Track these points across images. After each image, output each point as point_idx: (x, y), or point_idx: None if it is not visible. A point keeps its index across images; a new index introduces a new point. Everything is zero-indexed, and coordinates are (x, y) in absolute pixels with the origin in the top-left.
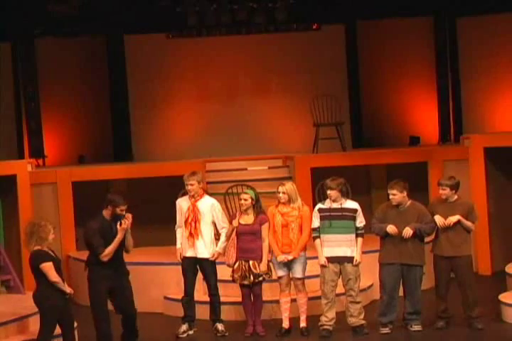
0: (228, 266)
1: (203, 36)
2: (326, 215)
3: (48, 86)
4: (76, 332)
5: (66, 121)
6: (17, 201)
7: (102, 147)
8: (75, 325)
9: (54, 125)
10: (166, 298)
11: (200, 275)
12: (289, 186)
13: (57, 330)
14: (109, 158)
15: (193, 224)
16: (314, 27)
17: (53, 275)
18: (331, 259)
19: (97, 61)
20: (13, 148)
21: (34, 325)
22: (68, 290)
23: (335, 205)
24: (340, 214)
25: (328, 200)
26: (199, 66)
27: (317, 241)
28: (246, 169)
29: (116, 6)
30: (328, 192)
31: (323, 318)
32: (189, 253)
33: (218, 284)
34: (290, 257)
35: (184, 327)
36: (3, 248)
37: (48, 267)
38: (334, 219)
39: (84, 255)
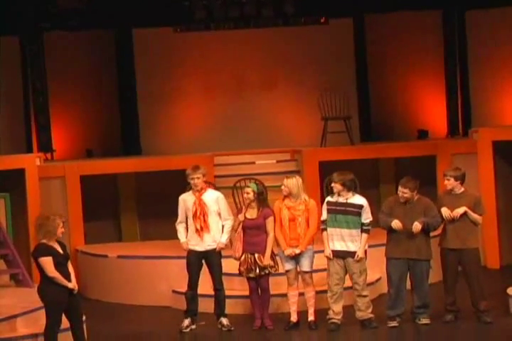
0: (235, 259)
1: (210, 30)
2: (332, 209)
3: (57, 80)
4: (85, 326)
5: (74, 115)
6: (25, 195)
7: (110, 141)
8: (84, 318)
9: (62, 119)
10: (173, 291)
11: (204, 270)
12: (291, 180)
13: (67, 324)
14: (117, 152)
15: (201, 218)
16: (322, 20)
17: (50, 271)
18: (334, 253)
19: (105, 55)
20: (21, 142)
21: (43, 318)
22: (70, 285)
23: (341, 199)
24: (343, 208)
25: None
26: (207, 60)
27: (324, 233)
28: (254, 163)
29: None
30: (332, 184)
31: (330, 312)
32: (197, 247)
33: (226, 278)
34: (297, 251)
35: (187, 321)
36: (11, 241)
37: (45, 261)
38: (338, 213)
39: (93, 248)
